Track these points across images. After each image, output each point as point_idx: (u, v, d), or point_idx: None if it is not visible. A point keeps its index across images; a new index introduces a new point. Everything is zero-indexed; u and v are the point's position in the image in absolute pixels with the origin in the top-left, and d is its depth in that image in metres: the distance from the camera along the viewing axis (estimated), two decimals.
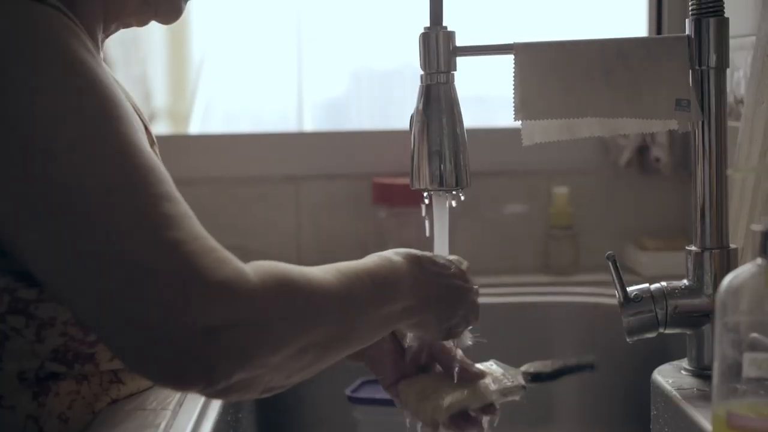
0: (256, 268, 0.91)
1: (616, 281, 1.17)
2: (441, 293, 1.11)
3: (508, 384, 1.18)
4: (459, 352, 1.18)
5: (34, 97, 0.90)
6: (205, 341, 0.85)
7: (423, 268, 1.10)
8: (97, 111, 0.92)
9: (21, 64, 0.91)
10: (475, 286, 1.16)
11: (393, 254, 1.10)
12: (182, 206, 0.91)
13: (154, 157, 0.93)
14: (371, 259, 1.08)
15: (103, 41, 1.13)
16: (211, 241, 0.90)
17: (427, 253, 1.15)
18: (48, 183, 0.88)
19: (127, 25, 1.15)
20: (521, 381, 1.19)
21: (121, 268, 0.86)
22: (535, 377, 1.21)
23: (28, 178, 0.89)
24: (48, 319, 0.98)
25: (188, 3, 1.16)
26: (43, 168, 0.88)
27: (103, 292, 0.86)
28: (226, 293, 0.87)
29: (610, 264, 1.16)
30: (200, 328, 0.85)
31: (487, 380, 1.17)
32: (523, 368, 1.21)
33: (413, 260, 1.10)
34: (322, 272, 0.98)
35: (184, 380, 0.87)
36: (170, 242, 0.87)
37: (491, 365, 1.22)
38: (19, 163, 0.89)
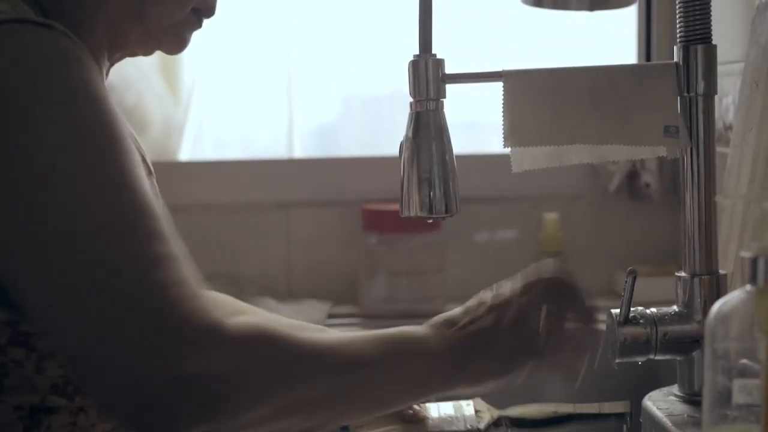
0: (240, 323, 0.90)
1: (626, 298, 1.15)
2: (489, 348, 1.05)
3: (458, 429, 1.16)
4: None
5: (38, 128, 0.90)
6: (174, 390, 0.85)
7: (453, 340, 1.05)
8: (100, 144, 0.92)
9: (27, 93, 0.91)
10: (537, 315, 1.06)
11: (423, 327, 1.07)
12: (172, 247, 0.91)
13: (149, 194, 0.93)
14: (402, 330, 1.05)
15: (108, 69, 1.13)
16: (195, 288, 0.89)
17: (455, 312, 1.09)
18: (41, 215, 0.88)
19: (133, 54, 1.15)
20: (480, 426, 1.16)
21: (104, 306, 0.86)
22: (517, 422, 1.17)
23: (22, 209, 0.88)
24: (48, 351, 0.97)
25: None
26: (39, 199, 0.88)
27: (84, 329, 0.86)
28: (202, 344, 0.87)
29: (629, 279, 1.15)
30: (171, 376, 0.85)
31: (432, 422, 1.15)
32: (509, 411, 1.18)
33: (439, 327, 1.07)
34: (325, 333, 0.98)
35: (149, 426, 0.87)
36: (154, 284, 0.87)
37: (465, 405, 1.19)
38: (15, 194, 0.88)
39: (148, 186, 0.94)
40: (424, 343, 1.04)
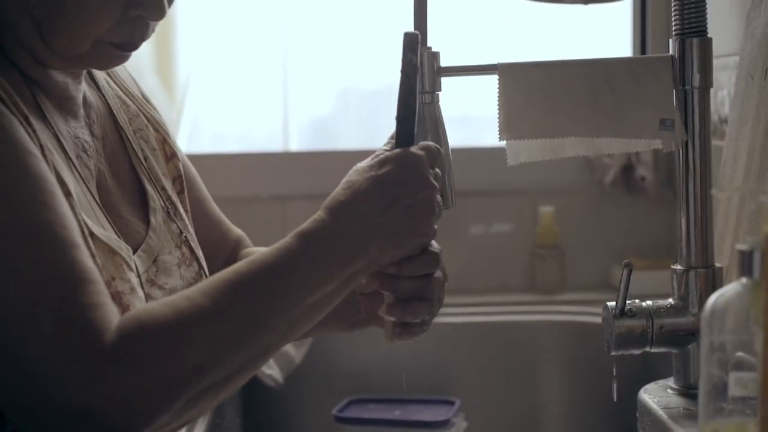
0: (119, 338, 0.87)
1: (622, 291, 1.16)
2: (390, 229, 1.00)
3: None
4: None
5: None
6: (73, 423, 0.85)
7: (349, 218, 1.01)
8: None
9: None
10: (433, 183, 1.01)
11: (310, 224, 1.03)
12: (69, 273, 0.88)
13: (51, 223, 0.90)
14: (285, 248, 1.03)
15: (73, 76, 1.07)
16: (88, 312, 0.87)
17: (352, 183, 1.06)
18: None
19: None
20: None
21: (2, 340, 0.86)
22: None
23: None
24: None
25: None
26: None
27: None
28: (92, 373, 0.85)
29: (625, 272, 1.15)
30: (67, 410, 0.84)
31: None
32: None
33: (332, 217, 1.03)
34: (211, 301, 0.92)
35: None
36: (40, 320, 0.86)
37: None
38: None
39: (57, 211, 0.91)
40: (331, 260, 1.01)
